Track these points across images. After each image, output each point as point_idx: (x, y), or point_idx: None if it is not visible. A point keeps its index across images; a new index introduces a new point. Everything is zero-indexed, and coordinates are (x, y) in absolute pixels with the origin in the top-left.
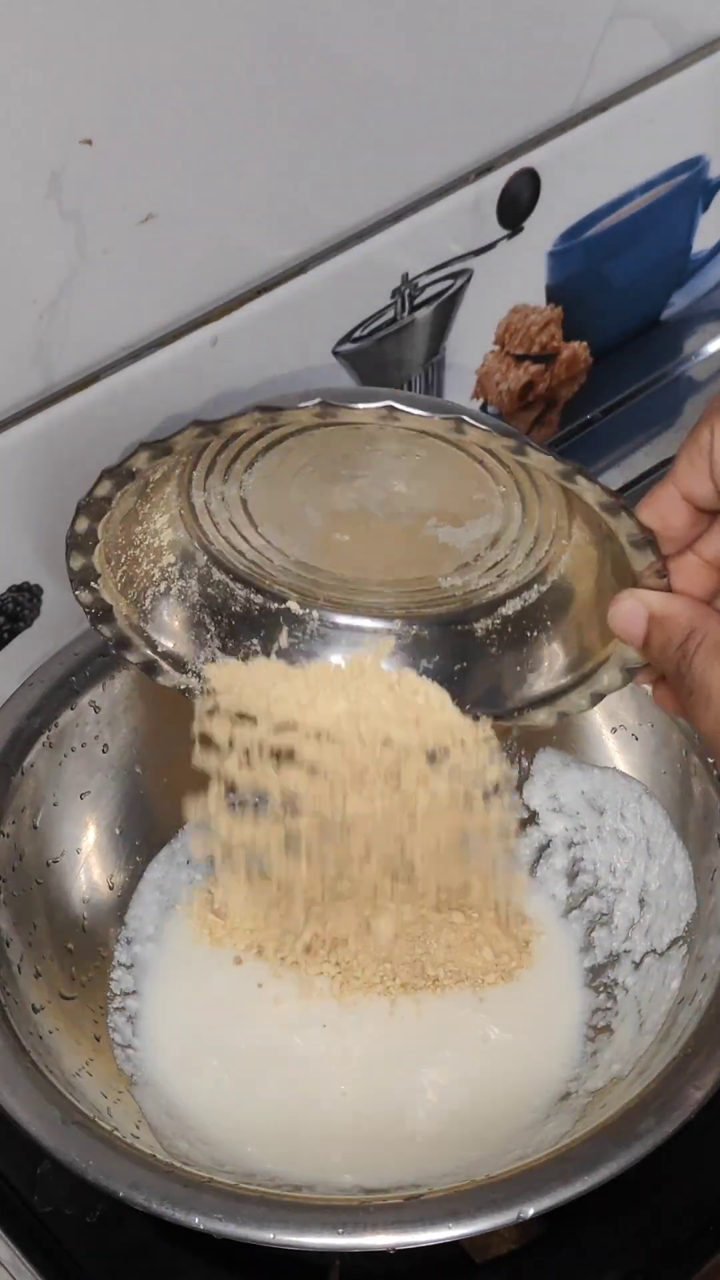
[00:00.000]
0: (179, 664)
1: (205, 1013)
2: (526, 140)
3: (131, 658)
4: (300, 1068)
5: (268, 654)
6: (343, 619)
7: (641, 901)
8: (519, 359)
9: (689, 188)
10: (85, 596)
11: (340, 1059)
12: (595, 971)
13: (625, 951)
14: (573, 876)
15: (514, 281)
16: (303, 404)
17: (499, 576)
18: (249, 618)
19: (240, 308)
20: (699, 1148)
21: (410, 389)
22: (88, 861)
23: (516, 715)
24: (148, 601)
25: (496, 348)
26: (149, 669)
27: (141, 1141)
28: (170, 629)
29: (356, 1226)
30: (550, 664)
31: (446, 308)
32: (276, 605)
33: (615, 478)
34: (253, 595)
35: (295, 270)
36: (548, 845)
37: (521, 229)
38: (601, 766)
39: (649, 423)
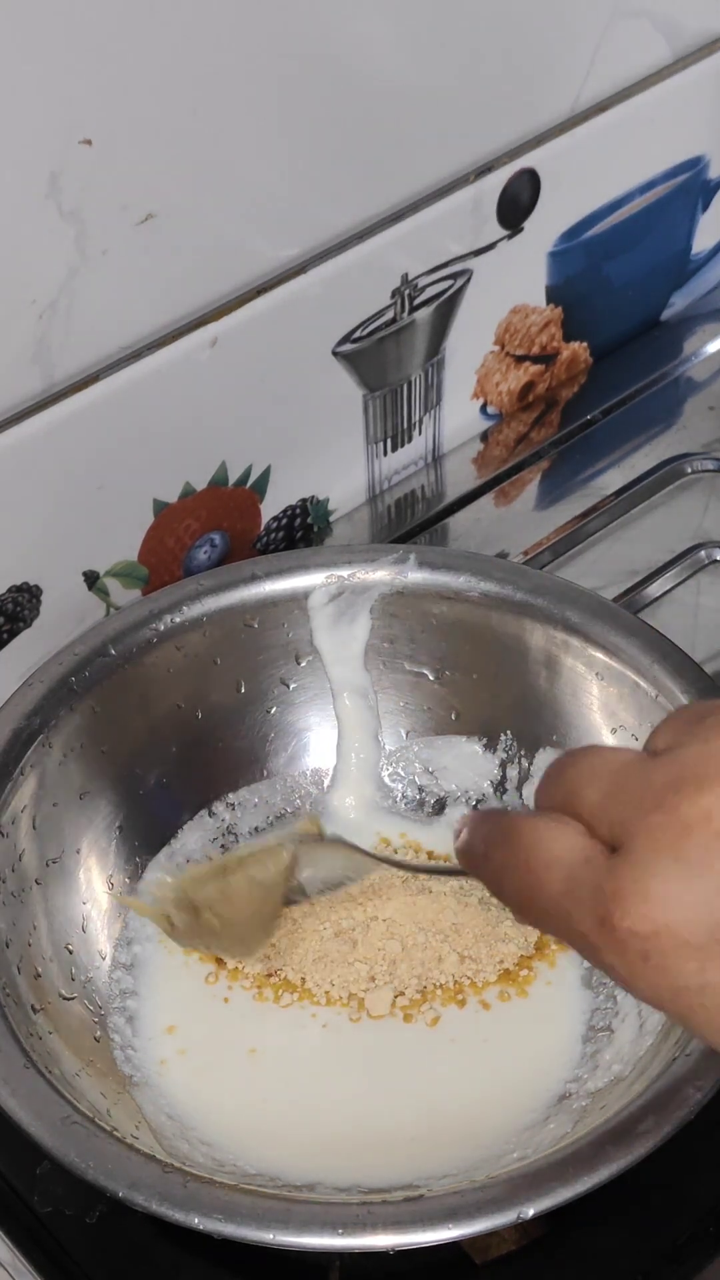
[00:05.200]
0: None
1: (205, 1012)
2: (526, 140)
3: None
4: (300, 1068)
5: None
6: None
7: None
8: (519, 359)
9: (689, 188)
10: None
11: (340, 1059)
12: (595, 971)
13: None
14: None
15: (514, 282)
16: None
17: None
18: None
19: (240, 308)
20: (699, 1148)
21: (410, 389)
22: (88, 861)
23: None
24: None
25: (496, 348)
26: None
27: (141, 1141)
28: None
29: (356, 1227)
30: None
31: (446, 308)
32: None
33: (615, 478)
34: None
35: (295, 270)
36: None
37: (521, 229)
38: None
39: (649, 423)
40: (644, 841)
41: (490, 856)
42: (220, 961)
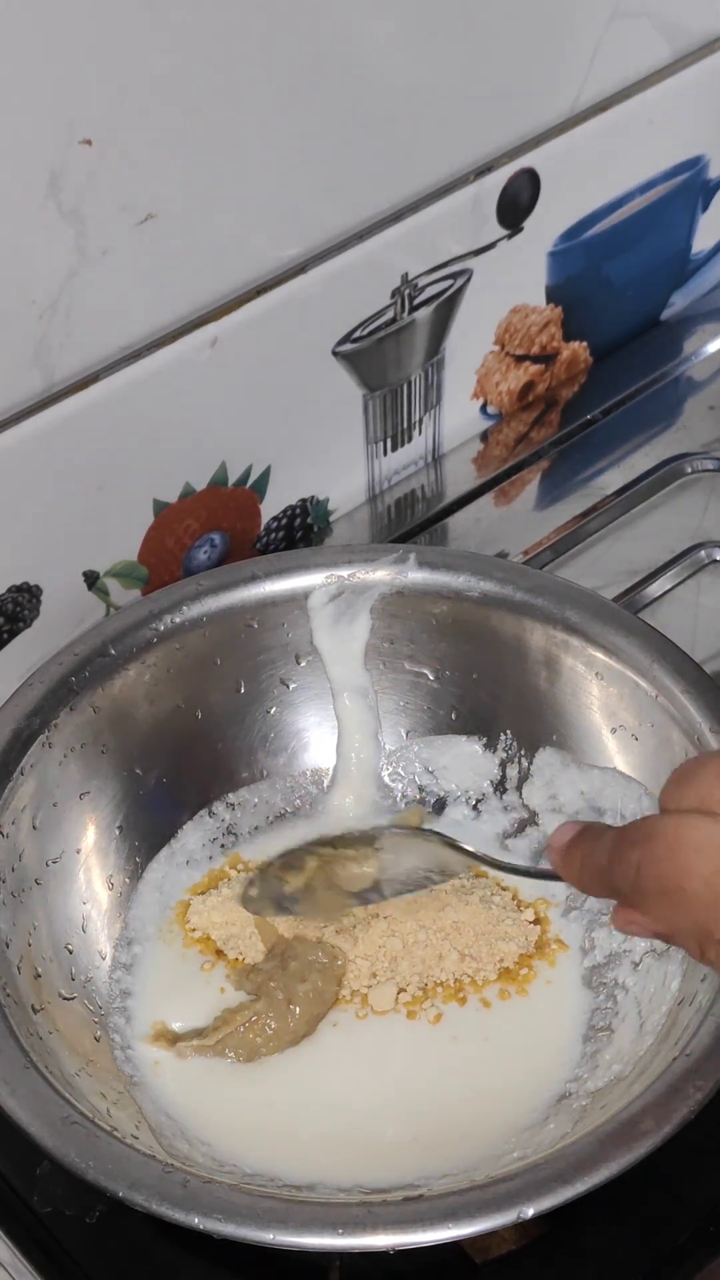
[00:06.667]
0: None
1: (204, 1013)
2: (526, 140)
3: None
4: (300, 1067)
5: None
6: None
7: None
8: (519, 359)
9: (689, 188)
10: None
11: (340, 1058)
12: (595, 971)
13: (625, 951)
14: None
15: (514, 281)
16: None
17: None
18: None
19: (240, 308)
20: (699, 1148)
21: (410, 389)
22: (88, 861)
23: None
24: None
25: (496, 348)
26: None
27: (141, 1141)
28: None
29: (356, 1227)
30: None
31: (446, 308)
32: None
33: (615, 478)
34: None
35: (295, 270)
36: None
37: (521, 229)
38: (601, 766)
39: (649, 423)
40: None
41: (625, 857)
42: (220, 954)
